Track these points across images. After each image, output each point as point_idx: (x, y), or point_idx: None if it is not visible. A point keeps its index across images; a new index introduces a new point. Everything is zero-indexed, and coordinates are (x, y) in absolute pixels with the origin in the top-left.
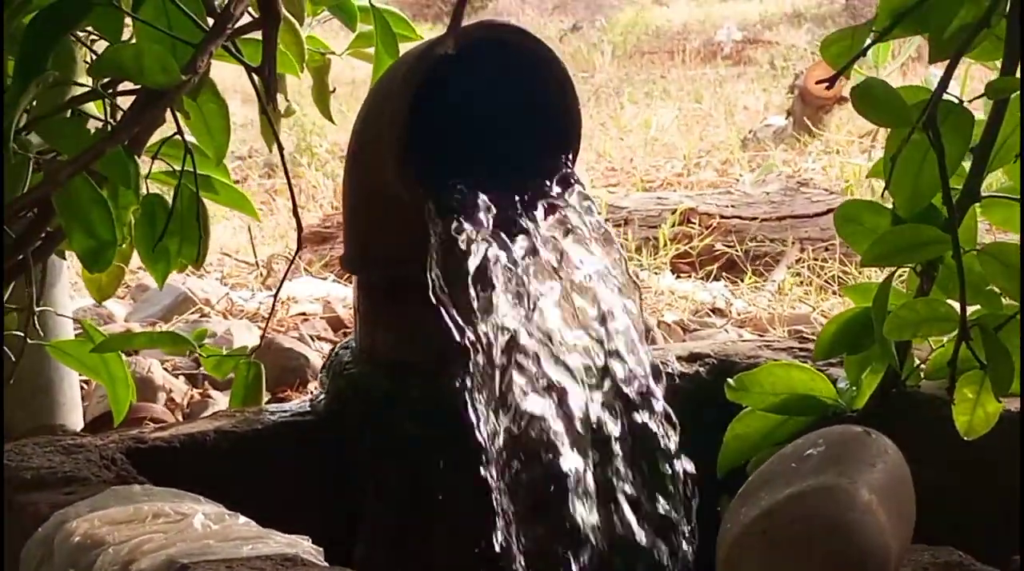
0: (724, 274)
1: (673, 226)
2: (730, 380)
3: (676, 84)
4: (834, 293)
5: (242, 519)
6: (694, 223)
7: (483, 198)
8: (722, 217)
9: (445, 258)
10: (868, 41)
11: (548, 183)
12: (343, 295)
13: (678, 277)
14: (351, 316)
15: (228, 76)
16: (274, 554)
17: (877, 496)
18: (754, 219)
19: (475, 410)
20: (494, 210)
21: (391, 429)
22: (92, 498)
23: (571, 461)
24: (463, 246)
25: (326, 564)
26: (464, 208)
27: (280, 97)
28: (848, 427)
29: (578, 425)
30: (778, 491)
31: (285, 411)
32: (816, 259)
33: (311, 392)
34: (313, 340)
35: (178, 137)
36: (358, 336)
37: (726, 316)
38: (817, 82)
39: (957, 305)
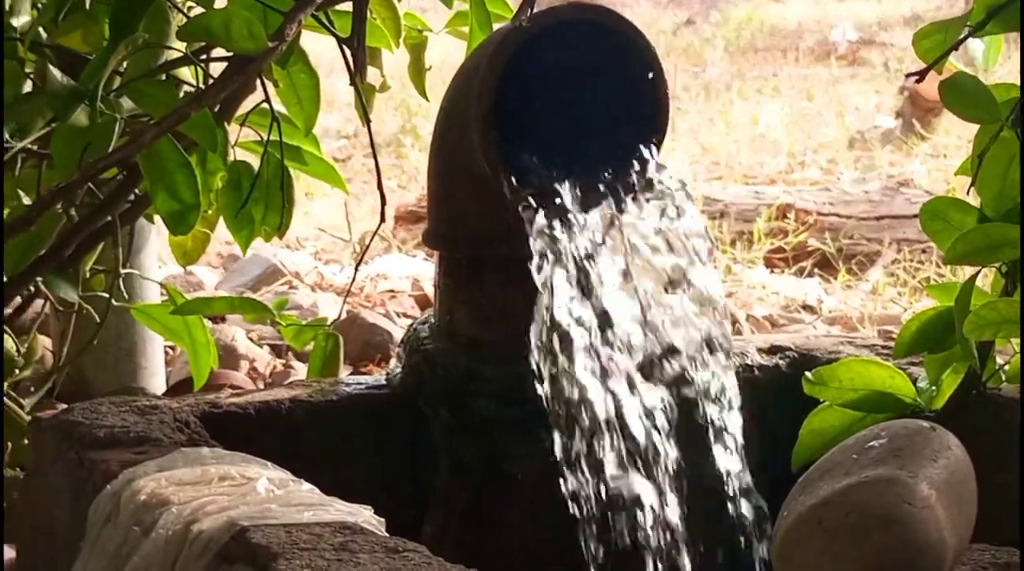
0: (817, 271)
1: (769, 221)
2: (808, 373)
3: (788, 82)
4: (928, 295)
5: (306, 486)
6: (790, 218)
7: (567, 180)
8: (819, 214)
9: (526, 238)
10: (962, 35)
11: (634, 167)
12: (432, 274)
13: (771, 272)
14: None
15: (330, 54)
16: (334, 521)
17: (937, 491)
18: (851, 217)
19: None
20: (578, 193)
21: (466, 407)
22: (160, 458)
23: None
24: (536, 228)
25: (386, 534)
26: (544, 189)
27: (376, 72)
28: (913, 421)
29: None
30: (836, 481)
31: (361, 384)
32: (912, 260)
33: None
34: (399, 317)
35: (266, 105)
36: (437, 312)
37: (816, 313)
38: (907, 75)
39: None
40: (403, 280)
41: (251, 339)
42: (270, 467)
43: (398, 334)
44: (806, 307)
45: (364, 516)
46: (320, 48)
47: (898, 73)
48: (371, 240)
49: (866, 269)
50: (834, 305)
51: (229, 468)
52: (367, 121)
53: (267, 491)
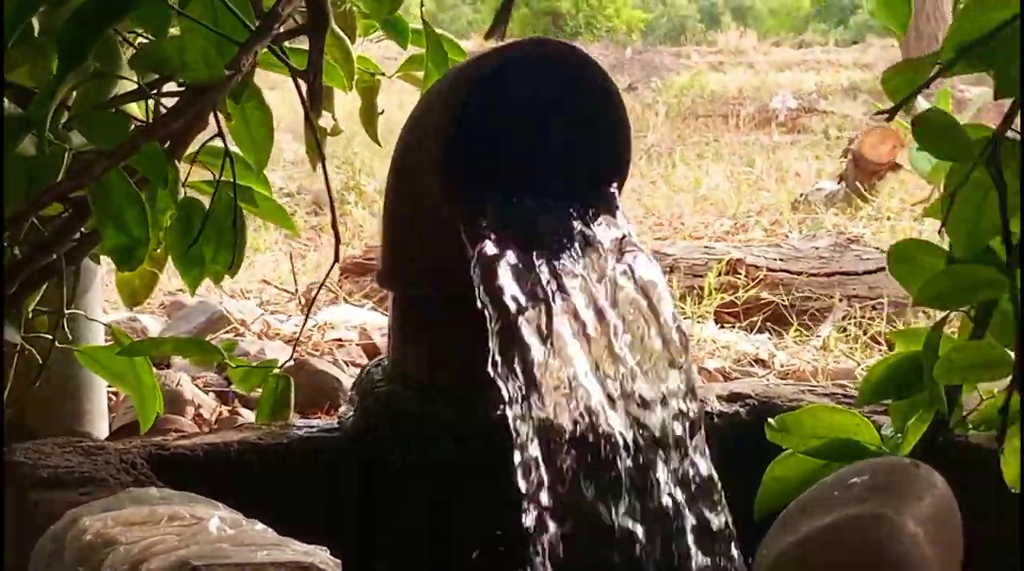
0: (768, 326)
1: (719, 276)
2: (771, 420)
3: (728, 148)
4: (879, 351)
5: (259, 526)
6: (741, 274)
7: (526, 216)
8: (769, 269)
9: (483, 276)
10: (932, 73)
11: (594, 204)
12: (380, 323)
13: (721, 327)
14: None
15: (278, 112)
16: (289, 561)
17: (924, 529)
18: (801, 273)
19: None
20: (537, 232)
21: (420, 451)
22: (106, 499)
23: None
24: (495, 265)
25: None
26: (505, 225)
27: (327, 116)
28: (894, 458)
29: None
30: (818, 519)
31: (312, 427)
32: (863, 316)
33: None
34: (348, 365)
35: (217, 141)
36: (390, 354)
37: (768, 367)
38: (876, 113)
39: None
40: (351, 330)
41: (197, 385)
42: (221, 507)
43: (348, 382)
44: (758, 361)
45: (320, 557)
46: (272, 103)
47: (838, 140)
48: (325, 278)
49: (817, 324)
50: (786, 360)
51: (178, 508)
52: (322, 158)
53: (219, 531)
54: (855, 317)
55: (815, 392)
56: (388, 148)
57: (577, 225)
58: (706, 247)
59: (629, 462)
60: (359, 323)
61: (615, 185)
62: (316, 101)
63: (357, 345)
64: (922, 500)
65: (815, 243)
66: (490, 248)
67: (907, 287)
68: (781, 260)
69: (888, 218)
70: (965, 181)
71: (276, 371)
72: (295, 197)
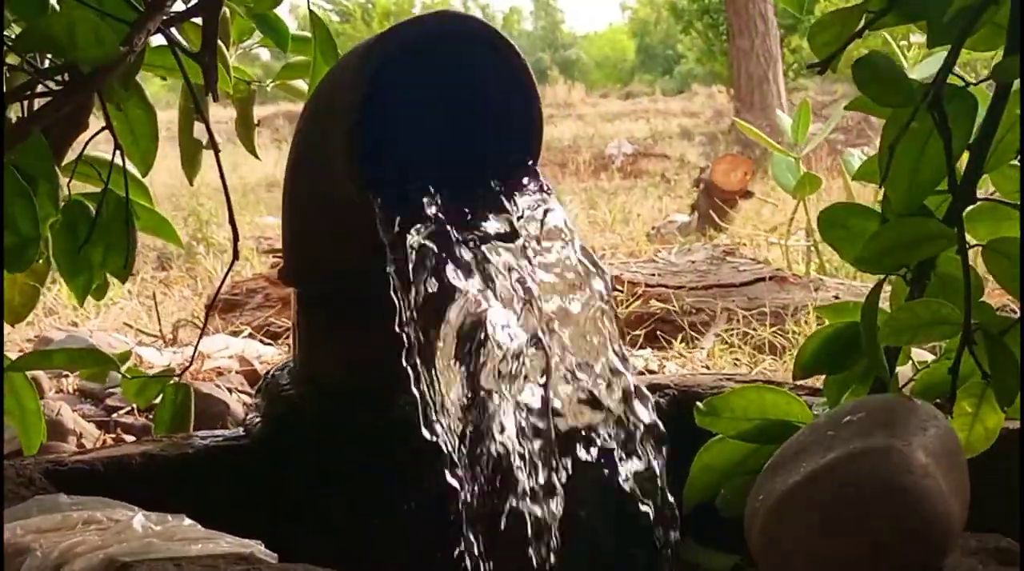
0: (660, 334)
1: None
2: (699, 404)
3: (570, 194)
4: (765, 359)
5: (187, 521)
6: (621, 290)
7: (439, 200)
8: (648, 285)
9: (396, 266)
10: (861, 24)
11: (508, 185)
12: (259, 351)
13: None
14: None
15: None
16: (227, 553)
17: (934, 460)
18: (681, 287)
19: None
20: (451, 213)
21: (333, 456)
22: (11, 508)
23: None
24: (413, 252)
25: (282, 564)
26: (418, 211)
27: (201, 128)
28: (887, 395)
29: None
30: (819, 457)
31: (217, 436)
32: (745, 326)
33: None
34: (232, 392)
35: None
36: (297, 356)
37: None
38: (809, 66)
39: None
40: (229, 360)
41: (77, 415)
42: (137, 510)
43: (235, 406)
44: (650, 371)
45: (257, 548)
46: None
47: (677, 183)
48: (225, 276)
49: (700, 336)
50: (676, 370)
51: (93, 512)
52: (215, 148)
53: (144, 528)
54: (738, 328)
55: (734, 380)
56: (234, 196)
57: (494, 203)
58: None
59: (565, 461)
60: (237, 351)
61: (530, 161)
62: (211, 83)
63: (238, 373)
64: (927, 431)
65: (691, 257)
66: (408, 234)
67: (841, 253)
68: (659, 275)
69: (745, 245)
70: (905, 130)
71: (174, 380)
72: (141, 253)
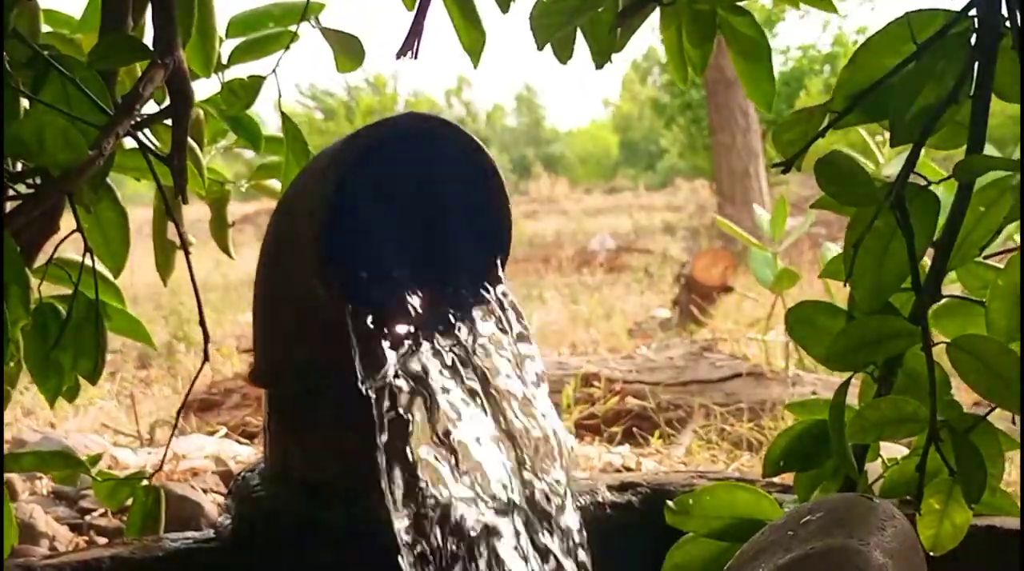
0: (636, 431)
1: (576, 389)
2: (669, 503)
3: (553, 289)
4: (742, 455)
5: None
6: (598, 386)
7: (410, 300)
8: (625, 381)
9: (367, 366)
10: (824, 124)
11: (476, 286)
12: (234, 451)
13: (581, 441)
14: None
15: None
16: None
17: (892, 559)
18: (658, 384)
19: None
20: (420, 313)
21: (306, 556)
22: None
23: None
24: (383, 353)
25: None
26: (388, 310)
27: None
28: (846, 493)
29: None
30: (777, 557)
31: (187, 538)
32: (722, 422)
33: None
34: (206, 493)
35: (67, 249)
36: (268, 456)
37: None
38: (773, 166)
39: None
40: (205, 460)
41: (50, 517)
42: None
43: (209, 507)
44: (626, 469)
45: None
46: None
47: (658, 278)
48: (199, 372)
49: (677, 432)
50: (653, 467)
51: None
52: (184, 245)
53: None
54: (715, 424)
55: (707, 477)
56: (216, 294)
57: (463, 304)
58: (560, 362)
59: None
60: (212, 452)
61: (498, 260)
62: (181, 185)
63: (213, 473)
64: (884, 531)
65: (669, 353)
66: (375, 336)
67: (808, 349)
68: (636, 371)
69: (724, 340)
70: (868, 229)
71: (145, 482)
72: (121, 352)
